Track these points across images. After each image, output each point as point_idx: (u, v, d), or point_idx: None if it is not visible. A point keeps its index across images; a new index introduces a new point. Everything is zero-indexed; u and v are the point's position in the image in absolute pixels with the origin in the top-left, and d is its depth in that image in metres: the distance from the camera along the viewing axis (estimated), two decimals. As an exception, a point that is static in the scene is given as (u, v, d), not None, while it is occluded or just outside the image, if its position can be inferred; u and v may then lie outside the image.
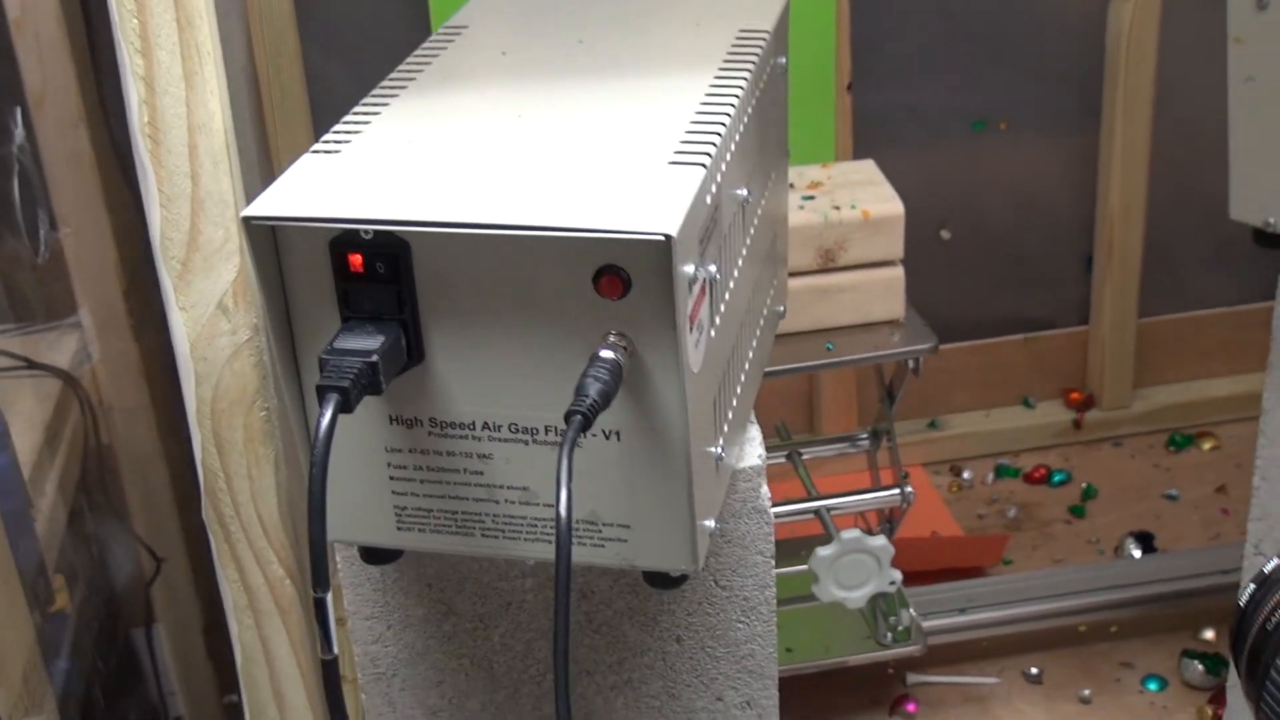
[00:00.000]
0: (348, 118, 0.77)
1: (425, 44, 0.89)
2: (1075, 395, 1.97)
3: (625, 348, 0.67)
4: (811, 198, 1.26)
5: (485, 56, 0.86)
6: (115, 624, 1.42)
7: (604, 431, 0.70)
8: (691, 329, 0.68)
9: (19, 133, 1.30)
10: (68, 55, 1.32)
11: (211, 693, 1.52)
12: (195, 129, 0.74)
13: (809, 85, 1.68)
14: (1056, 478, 1.89)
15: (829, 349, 1.24)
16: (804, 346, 1.25)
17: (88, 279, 1.38)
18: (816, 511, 1.31)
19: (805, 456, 1.42)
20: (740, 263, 0.81)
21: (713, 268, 0.71)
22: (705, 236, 0.70)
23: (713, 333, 0.73)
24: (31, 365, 1.33)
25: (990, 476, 1.91)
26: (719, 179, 0.72)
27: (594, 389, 0.65)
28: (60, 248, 1.36)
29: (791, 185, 1.28)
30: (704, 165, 0.69)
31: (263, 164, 1.51)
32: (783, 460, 1.42)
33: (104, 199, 1.36)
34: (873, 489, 1.35)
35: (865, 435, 1.45)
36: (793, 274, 1.24)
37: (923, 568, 1.63)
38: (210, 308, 0.78)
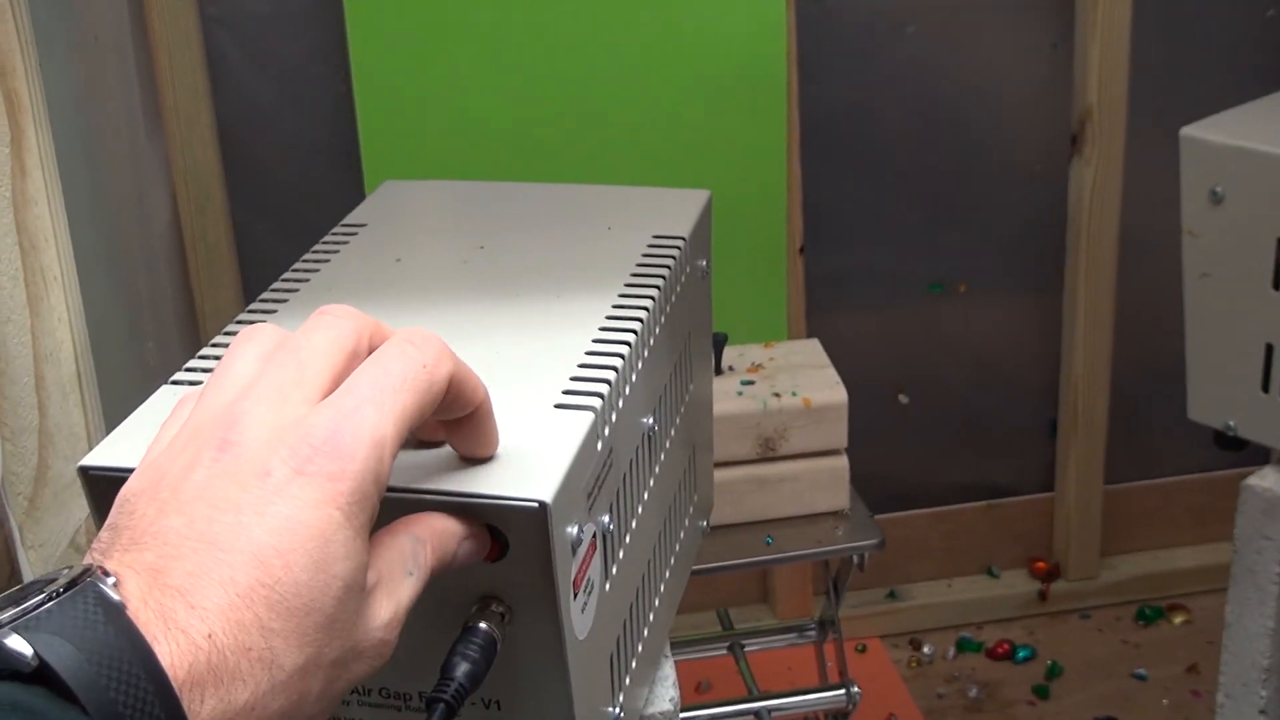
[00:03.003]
0: (217, 339, 0.71)
1: (318, 245, 0.83)
2: (1040, 565, 1.90)
3: (502, 615, 0.60)
4: (751, 383, 1.20)
5: (377, 264, 0.80)
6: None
7: (483, 700, 0.63)
8: (578, 594, 0.61)
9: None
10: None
11: None
12: (41, 359, 0.67)
13: (760, 250, 1.62)
14: (1021, 654, 1.81)
15: (768, 543, 1.18)
16: (742, 540, 1.19)
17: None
18: (756, 714, 1.23)
19: (749, 649, 1.34)
20: (646, 496, 0.74)
21: (605, 518, 0.64)
22: (596, 485, 0.63)
23: (608, 587, 0.66)
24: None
25: (952, 651, 1.83)
26: (614, 417, 0.66)
27: (460, 670, 0.58)
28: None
29: (730, 369, 1.22)
30: (593, 409, 0.63)
31: (185, 330, 1.45)
32: (724, 653, 1.34)
33: None
34: (817, 688, 1.28)
35: (812, 626, 1.38)
36: (731, 464, 1.18)
37: (877, 758, 1.54)
38: (62, 547, 0.71)
